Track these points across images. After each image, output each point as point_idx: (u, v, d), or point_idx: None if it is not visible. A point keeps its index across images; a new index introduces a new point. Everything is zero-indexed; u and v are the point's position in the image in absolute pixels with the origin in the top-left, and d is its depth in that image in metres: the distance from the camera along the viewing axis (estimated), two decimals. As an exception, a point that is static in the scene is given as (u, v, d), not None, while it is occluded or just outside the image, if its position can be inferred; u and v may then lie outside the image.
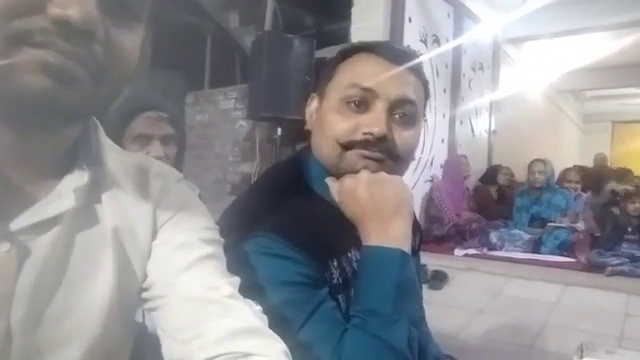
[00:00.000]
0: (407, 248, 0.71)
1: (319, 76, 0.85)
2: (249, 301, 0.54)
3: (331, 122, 0.76)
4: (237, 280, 0.56)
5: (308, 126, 0.84)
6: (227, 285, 0.53)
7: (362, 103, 0.75)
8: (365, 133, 0.73)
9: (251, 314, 0.52)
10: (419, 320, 0.76)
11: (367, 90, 0.74)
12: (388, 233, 0.71)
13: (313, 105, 0.83)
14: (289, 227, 0.69)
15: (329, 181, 0.77)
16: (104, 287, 0.51)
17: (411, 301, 0.70)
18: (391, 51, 0.78)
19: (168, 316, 0.52)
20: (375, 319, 0.65)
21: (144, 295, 0.55)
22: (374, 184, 0.73)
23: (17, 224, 0.46)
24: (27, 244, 0.46)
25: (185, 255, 0.54)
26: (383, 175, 0.74)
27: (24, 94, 0.42)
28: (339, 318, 0.68)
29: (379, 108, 0.74)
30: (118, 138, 1.31)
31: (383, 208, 0.72)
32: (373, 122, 0.73)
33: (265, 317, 0.54)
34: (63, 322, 0.48)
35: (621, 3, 4.83)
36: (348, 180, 0.74)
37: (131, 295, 0.54)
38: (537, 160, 4.36)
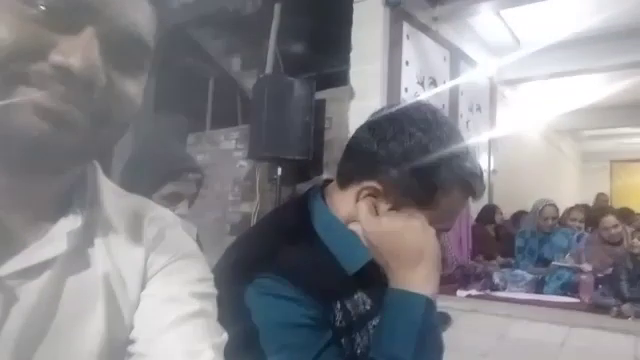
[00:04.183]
0: (433, 295, 0.69)
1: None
2: None
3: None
4: (224, 339, 0.54)
5: (353, 200, 0.76)
6: (209, 350, 0.51)
7: None
8: None
9: None
10: None
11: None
12: (413, 278, 0.69)
13: (379, 195, 0.75)
14: (292, 268, 0.68)
15: (355, 225, 0.75)
16: (94, 334, 0.49)
17: (432, 352, 0.69)
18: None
19: None
20: None
21: (128, 348, 0.53)
22: (407, 227, 0.72)
23: (6, 269, 0.44)
24: (15, 290, 0.44)
25: (171, 311, 0.52)
26: (415, 220, 0.73)
27: (20, 137, 0.41)
28: None
29: None
30: (150, 193, 1.29)
31: (410, 251, 0.70)
32: None
33: None
34: None
35: (615, 46, 4.96)
36: (385, 221, 0.73)
37: (121, 345, 0.52)
38: (549, 205, 4.09)
